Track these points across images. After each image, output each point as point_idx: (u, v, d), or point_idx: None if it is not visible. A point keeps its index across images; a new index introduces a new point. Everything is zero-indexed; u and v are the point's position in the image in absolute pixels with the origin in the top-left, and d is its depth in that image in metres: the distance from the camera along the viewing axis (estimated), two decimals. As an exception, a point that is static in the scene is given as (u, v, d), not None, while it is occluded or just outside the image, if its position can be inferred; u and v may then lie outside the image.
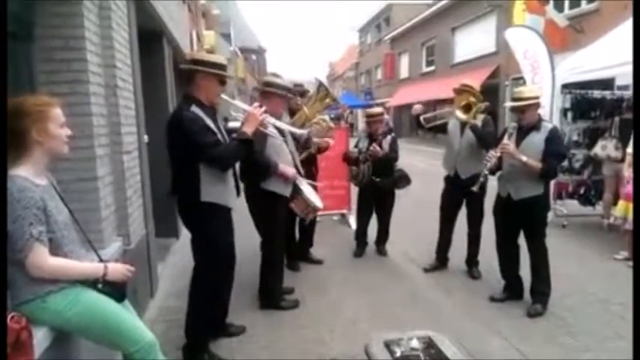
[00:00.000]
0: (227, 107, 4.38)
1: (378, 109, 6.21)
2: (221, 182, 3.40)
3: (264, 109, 3.55)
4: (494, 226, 4.68)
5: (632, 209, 5.48)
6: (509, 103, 4.44)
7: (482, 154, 4.97)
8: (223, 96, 3.54)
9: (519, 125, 4.31)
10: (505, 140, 4.27)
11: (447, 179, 5.42)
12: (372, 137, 5.92)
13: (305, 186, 4.48)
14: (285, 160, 4.25)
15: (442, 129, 5.47)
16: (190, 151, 3.24)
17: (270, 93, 4.26)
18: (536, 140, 4.21)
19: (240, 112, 3.79)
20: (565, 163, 7.11)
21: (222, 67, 3.42)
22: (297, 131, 4.21)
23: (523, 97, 4.28)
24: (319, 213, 5.31)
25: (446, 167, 5.42)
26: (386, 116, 7.09)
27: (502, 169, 4.44)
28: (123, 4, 4.14)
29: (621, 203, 5.77)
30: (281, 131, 4.23)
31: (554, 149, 4.20)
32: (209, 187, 3.31)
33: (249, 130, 3.39)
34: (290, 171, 4.24)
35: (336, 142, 6.20)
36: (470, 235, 5.39)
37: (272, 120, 3.76)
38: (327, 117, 5.25)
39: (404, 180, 6.03)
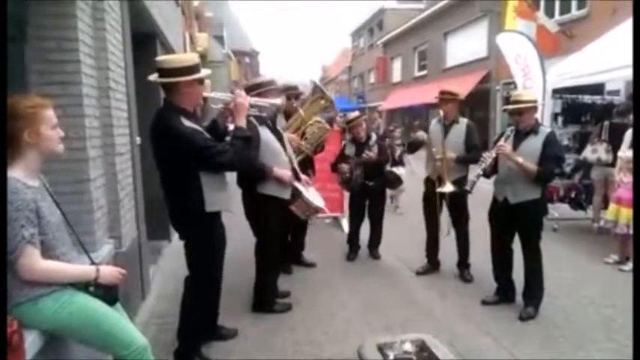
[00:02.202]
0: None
1: (354, 113, 6.16)
2: (222, 189, 3.37)
3: (245, 96, 3.46)
4: (488, 229, 4.67)
5: (622, 213, 5.53)
6: (507, 106, 4.44)
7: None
8: (204, 93, 3.44)
9: (517, 129, 4.32)
10: (502, 142, 4.28)
11: (428, 181, 5.42)
12: (357, 142, 5.94)
13: (304, 187, 4.43)
14: (282, 164, 4.20)
15: (420, 144, 5.49)
16: (193, 163, 3.16)
17: (259, 94, 4.10)
18: (534, 144, 4.20)
19: (220, 104, 3.59)
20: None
21: (198, 67, 3.22)
22: (276, 102, 3.98)
23: (521, 100, 4.29)
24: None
25: (428, 170, 5.41)
26: (379, 120, 7.12)
27: (498, 172, 4.44)
28: (117, 6, 4.13)
29: (612, 207, 5.81)
30: (280, 136, 4.23)
31: (552, 152, 4.18)
32: (213, 196, 3.26)
33: (242, 122, 3.33)
34: (286, 174, 4.18)
35: (330, 145, 6.19)
36: (457, 238, 5.40)
37: (252, 100, 3.58)
38: (322, 119, 5.24)
39: (395, 181, 6.06)
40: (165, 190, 3.34)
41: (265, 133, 4.13)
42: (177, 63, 3.17)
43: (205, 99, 3.49)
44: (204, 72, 3.25)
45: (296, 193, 4.34)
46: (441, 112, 5.21)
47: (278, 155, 4.20)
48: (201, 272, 3.48)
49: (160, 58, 3.31)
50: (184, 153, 3.12)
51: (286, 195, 4.26)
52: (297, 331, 4.06)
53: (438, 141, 5.20)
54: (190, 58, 3.29)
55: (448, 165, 5.08)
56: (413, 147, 5.58)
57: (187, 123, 3.14)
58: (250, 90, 4.15)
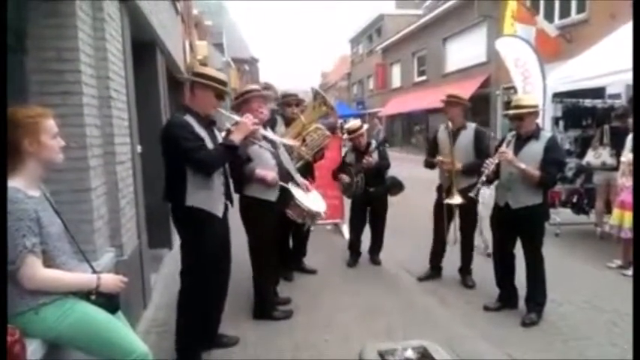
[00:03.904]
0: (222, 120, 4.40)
1: (356, 124, 6.12)
2: (207, 188, 3.41)
3: (255, 120, 3.60)
4: (490, 235, 4.66)
5: (627, 217, 5.51)
6: (508, 111, 4.43)
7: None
8: (220, 109, 3.58)
9: (518, 134, 4.30)
10: (503, 148, 4.27)
11: (440, 189, 5.40)
12: (357, 150, 5.95)
13: (298, 191, 4.36)
14: (266, 166, 4.15)
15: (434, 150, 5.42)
16: (178, 156, 3.31)
17: (243, 101, 4.24)
18: (535, 149, 4.20)
19: (234, 123, 3.79)
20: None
21: (220, 82, 3.48)
22: (289, 142, 4.23)
23: (522, 105, 4.28)
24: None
25: (441, 178, 5.38)
26: (379, 126, 7.09)
27: (500, 177, 4.43)
28: (117, 16, 4.14)
29: (616, 211, 5.78)
30: (273, 142, 4.23)
31: (554, 157, 4.18)
32: (194, 191, 3.35)
33: (237, 137, 3.42)
34: (268, 175, 4.12)
35: (330, 151, 6.18)
36: (463, 245, 5.38)
37: (264, 132, 3.81)
38: (322, 126, 5.24)
39: (397, 187, 6.04)
40: (165, 184, 3.51)
41: None
42: (204, 70, 3.65)
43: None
44: (226, 93, 3.61)
45: (289, 197, 4.29)
46: (450, 123, 5.12)
47: (261, 156, 4.15)
48: (191, 267, 3.53)
49: (197, 65, 3.60)
50: (170, 141, 3.32)
51: (272, 197, 4.21)
52: (297, 337, 4.05)
53: (446, 149, 5.15)
54: (219, 73, 3.65)
55: (456, 174, 5.04)
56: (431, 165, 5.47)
57: (187, 118, 3.36)
58: (237, 98, 4.34)
